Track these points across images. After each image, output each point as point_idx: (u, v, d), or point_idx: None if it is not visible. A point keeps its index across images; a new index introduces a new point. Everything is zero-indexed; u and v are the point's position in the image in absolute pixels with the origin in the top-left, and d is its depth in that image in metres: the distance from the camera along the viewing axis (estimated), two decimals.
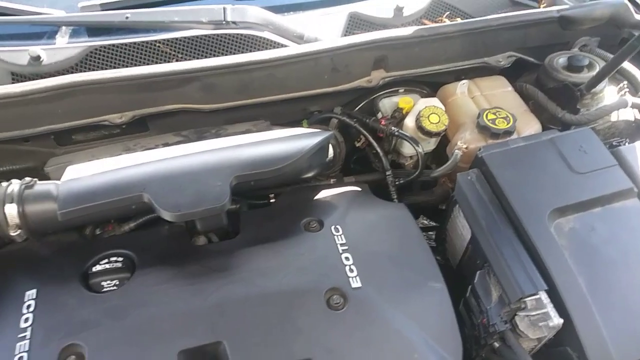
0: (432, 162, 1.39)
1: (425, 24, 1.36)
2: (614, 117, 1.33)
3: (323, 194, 1.14)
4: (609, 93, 1.36)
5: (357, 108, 1.38)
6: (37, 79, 1.10)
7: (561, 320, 0.91)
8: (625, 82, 1.38)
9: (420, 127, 1.21)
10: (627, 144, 1.32)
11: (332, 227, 1.03)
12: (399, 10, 1.35)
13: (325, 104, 1.32)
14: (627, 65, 1.40)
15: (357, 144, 1.36)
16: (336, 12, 1.35)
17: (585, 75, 1.29)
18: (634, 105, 1.30)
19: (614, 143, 1.25)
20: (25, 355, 0.82)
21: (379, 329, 0.90)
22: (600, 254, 1.00)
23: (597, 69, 1.29)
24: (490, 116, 1.22)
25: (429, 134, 1.21)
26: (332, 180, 1.25)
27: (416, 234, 1.07)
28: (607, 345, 0.90)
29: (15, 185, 0.95)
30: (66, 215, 0.91)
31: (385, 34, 1.21)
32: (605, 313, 0.92)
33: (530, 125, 1.27)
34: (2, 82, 1.14)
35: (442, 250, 1.29)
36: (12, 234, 0.93)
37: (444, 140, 1.31)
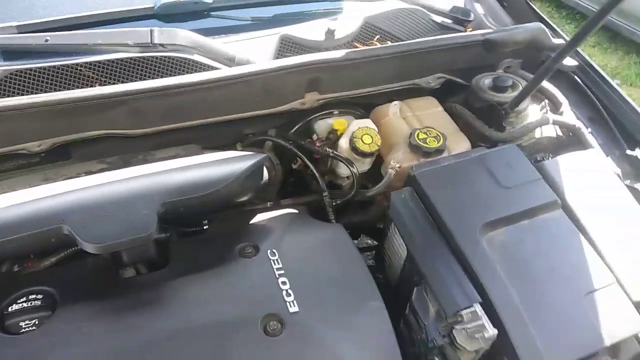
0: (368, 181, 1.40)
1: (356, 47, 1.39)
2: (537, 133, 1.40)
3: (258, 218, 1.12)
4: (532, 111, 1.43)
5: (293, 130, 1.38)
6: None
7: (495, 331, 0.92)
8: (547, 101, 1.46)
9: (354, 148, 1.22)
10: (550, 158, 1.39)
11: (268, 252, 1.01)
12: (330, 33, 1.37)
13: (260, 126, 1.30)
14: (547, 85, 1.49)
15: (294, 166, 1.35)
16: (268, 35, 1.36)
17: (510, 95, 1.36)
18: (555, 122, 1.37)
19: (538, 158, 1.30)
20: None
21: (318, 352, 0.89)
22: (530, 265, 1.03)
23: (520, 88, 1.36)
24: (422, 135, 1.25)
25: (363, 154, 1.22)
26: (268, 204, 1.23)
27: (353, 254, 1.06)
28: (540, 353, 0.92)
29: None
30: None
31: (317, 56, 1.22)
32: (537, 322, 0.95)
33: (460, 144, 1.31)
34: None
35: (382, 269, 1.29)
36: None
37: (380, 160, 1.33)
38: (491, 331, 0.92)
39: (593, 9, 4.67)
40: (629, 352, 1.04)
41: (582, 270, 1.04)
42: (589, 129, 1.41)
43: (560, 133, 1.43)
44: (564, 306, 0.99)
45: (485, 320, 0.93)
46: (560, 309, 0.98)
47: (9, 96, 1.13)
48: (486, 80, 1.40)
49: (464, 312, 0.95)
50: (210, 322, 0.88)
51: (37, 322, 0.85)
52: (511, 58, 1.51)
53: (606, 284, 1.02)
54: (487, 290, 0.97)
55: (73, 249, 0.99)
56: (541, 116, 1.36)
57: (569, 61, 1.50)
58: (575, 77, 1.53)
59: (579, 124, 1.38)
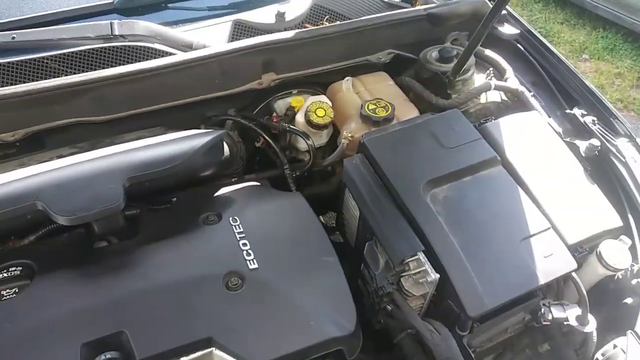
0: (329, 154, 1.49)
1: (307, 28, 1.47)
2: (483, 99, 1.50)
3: (222, 191, 1.20)
4: (478, 79, 1.53)
5: (255, 111, 1.46)
6: None
7: (437, 275, 1.02)
8: (491, 69, 1.56)
9: (308, 121, 1.31)
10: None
11: (230, 219, 1.09)
12: (280, 15, 1.45)
13: (221, 107, 1.39)
14: (491, 54, 1.59)
15: (257, 144, 1.44)
16: (221, 22, 1.44)
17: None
18: (497, 88, 1.47)
19: (482, 121, 1.40)
20: None
21: (276, 303, 0.97)
22: (472, 216, 1.13)
23: None
24: (371, 106, 1.34)
25: (317, 126, 1.31)
26: (233, 179, 1.32)
27: (309, 216, 1.15)
28: (479, 292, 1.01)
29: None
30: None
31: (268, 37, 1.31)
32: (476, 265, 1.04)
33: (409, 113, 1.40)
34: None
35: (343, 233, 1.39)
36: None
37: (338, 134, 1.42)
38: (433, 275, 1.02)
39: None
40: (574, 296, 1.14)
41: (520, 218, 1.14)
42: (532, 93, 1.50)
43: (505, 98, 1.53)
44: (502, 250, 1.08)
45: (428, 266, 1.03)
46: (499, 253, 1.08)
47: None
48: (433, 53, 1.49)
49: (409, 260, 1.05)
50: (176, 280, 0.97)
51: (17, 290, 0.94)
52: (457, 31, 1.60)
53: (541, 230, 1.12)
54: (429, 239, 1.06)
55: (49, 227, 1.07)
56: (484, 82, 1.45)
57: (510, 30, 1.60)
58: (518, 45, 1.62)
59: (521, 88, 1.48)
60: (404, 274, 1.07)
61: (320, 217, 1.45)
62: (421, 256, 1.05)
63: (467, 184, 1.19)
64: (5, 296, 0.93)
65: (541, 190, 1.21)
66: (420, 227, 1.08)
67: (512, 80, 1.51)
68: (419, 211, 1.11)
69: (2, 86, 1.22)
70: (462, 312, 1.01)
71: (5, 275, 0.95)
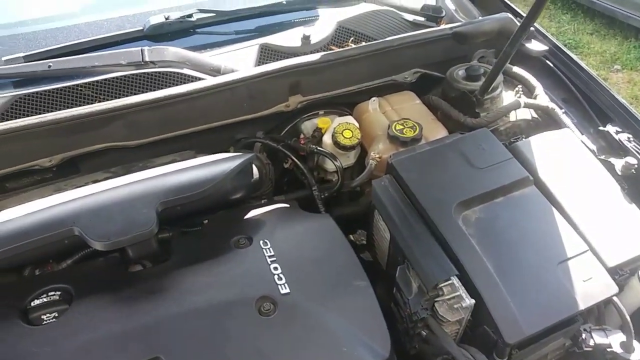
0: (357, 175, 1.48)
1: (332, 50, 1.48)
2: (512, 117, 1.47)
3: (252, 213, 1.20)
4: (506, 97, 1.51)
5: (282, 133, 1.47)
6: None
7: (473, 301, 1.00)
8: (520, 86, 1.54)
9: (336, 142, 1.31)
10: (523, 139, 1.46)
11: (261, 242, 1.10)
12: (306, 38, 1.47)
13: (249, 130, 1.40)
14: (520, 71, 1.57)
15: (285, 165, 1.44)
16: (249, 46, 1.46)
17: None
18: (527, 105, 1.45)
19: (512, 140, 1.38)
20: None
21: (308, 328, 0.96)
22: (505, 237, 1.10)
23: None
24: (399, 127, 1.33)
25: (345, 147, 1.31)
26: (262, 201, 1.32)
27: (340, 239, 1.15)
28: (517, 318, 0.98)
29: None
30: (0, 255, 0.94)
31: (294, 60, 1.32)
32: (512, 289, 1.02)
33: (437, 132, 1.39)
34: None
35: (374, 255, 1.37)
36: None
37: (365, 154, 1.42)
38: (468, 301, 1.00)
39: None
40: (616, 321, 1.11)
41: (556, 240, 1.10)
42: (563, 110, 1.48)
43: (535, 115, 1.50)
44: (539, 274, 1.05)
45: (462, 291, 1.01)
46: (535, 277, 1.04)
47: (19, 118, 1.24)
48: (460, 71, 1.48)
49: (443, 286, 1.02)
50: (209, 305, 0.97)
51: (56, 315, 0.95)
52: (484, 48, 1.59)
53: (579, 252, 1.08)
54: (463, 263, 1.04)
55: (85, 251, 1.09)
56: (513, 100, 1.43)
57: (539, 46, 1.58)
58: (547, 61, 1.60)
59: (552, 105, 1.46)
60: (437, 299, 1.05)
61: (350, 236, 1.45)
62: (455, 281, 1.02)
63: (499, 205, 1.16)
64: (46, 320, 0.95)
65: (577, 211, 1.17)
66: (453, 250, 1.06)
67: (542, 97, 1.49)
68: (451, 234, 1.09)
69: (39, 113, 1.25)
70: (499, 338, 0.98)
71: (45, 300, 0.96)
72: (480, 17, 1.61)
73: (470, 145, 1.25)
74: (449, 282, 1.03)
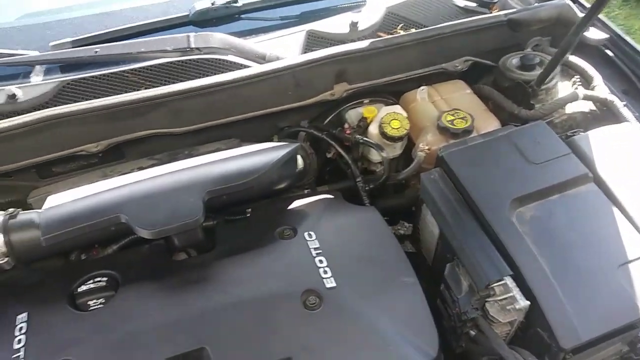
0: (403, 166, 1.44)
1: (380, 37, 1.43)
2: (569, 109, 1.40)
3: (296, 203, 1.18)
4: (562, 88, 1.43)
5: (326, 121, 1.44)
6: (14, 116, 1.14)
7: (527, 303, 0.95)
8: (578, 77, 1.46)
9: (383, 133, 1.27)
10: (582, 133, 1.39)
11: (306, 234, 1.07)
12: (354, 25, 1.42)
13: (293, 119, 1.38)
14: (577, 60, 1.49)
15: (328, 155, 1.41)
16: (295, 32, 1.43)
17: (537, 73, 1.36)
18: (585, 97, 1.37)
19: (569, 134, 1.31)
20: None
21: (354, 324, 0.94)
22: (561, 237, 1.05)
23: None
24: (449, 117, 1.28)
25: (392, 138, 1.27)
26: (306, 191, 1.30)
27: (386, 233, 1.12)
28: (573, 323, 0.94)
29: None
30: (49, 241, 0.95)
31: (342, 48, 1.28)
32: (569, 292, 0.97)
33: (489, 124, 1.33)
34: None
35: (418, 249, 1.34)
36: (0, 262, 0.96)
37: (412, 145, 1.37)
38: (522, 303, 0.95)
39: None
40: None
41: (616, 241, 1.05)
42: (624, 102, 1.40)
43: (594, 108, 1.42)
44: (597, 277, 1.00)
45: (516, 292, 0.97)
46: (593, 280, 0.99)
47: (67, 104, 1.24)
48: (513, 60, 1.41)
49: (495, 285, 0.98)
50: (254, 297, 0.96)
51: (103, 301, 0.96)
52: (540, 36, 1.51)
53: None
54: (517, 263, 1.00)
55: (130, 237, 1.09)
56: (571, 92, 1.36)
57: (598, 34, 1.49)
58: (607, 50, 1.51)
59: (611, 97, 1.38)
60: (489, 299, 1.01)
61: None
62: (509, 281, 0.98)
63: (555, 203, 1.11)
64: (92, 306, 0.95)
65: (639, 210, 1.11)
66: (507, 249, 1.02)
67: (601, 89, 1.41)
68: (505, 232, 1.04)
69: (86, 99, 1.25)
70: (553, 343, 0.94)
71: (92, 286, 0.97)
72: (536, 3, 1.53)
73: (525, 139, 1.19)
74: (502, 282, 0.98)
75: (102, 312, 0.94)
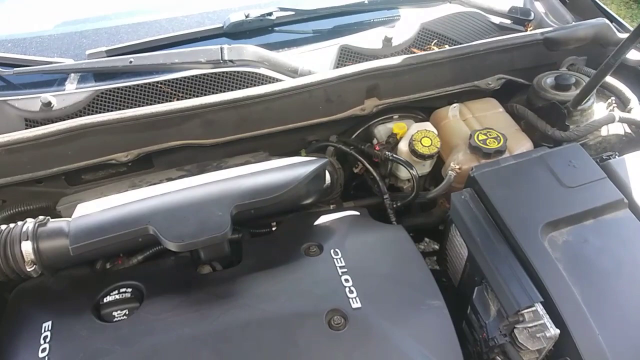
0: (430, 184, 1.43)
1: (414, 53, 1.42)
2: (604, 131, 1.37)
3: (322, 219, 1.18)
4: (598, 109, 1.40)
5: (354, 136, 1.43)
6: (48, 124, 1.16)
7: (558, 331, 0.93)
8: (614, 98, 1.42)
9: (413, 151, 1.26)
10: (617, 157, 1.35)
11: (332, 251, 1.07)
12: (387, 40, 1.41)
13: (322, 133, 1.37)
14: (614, 81, 1.45)
15: (355, 170, 1.40)
16: (328, 46, 1.42)
17: (573, 93, 1.33)
18: (622, 120, 1.33)
19: (603, 157, 1.27)
20: None
21: (380, 346, 0.93)
22: (594, 264, 1.02)
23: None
24: (481, 137, 1.26)
25: (422, 156, 1.25)
26: (332, 206, 1.29)
27: (414, 254, 1.10)
28: (605, 354, 0.91)
29: (29, 223, 1.00)
30: (77, 250, 0.96)
31: (375, 64, 1.27)
32: (602, 322, 0.94)
33: (521, 144, 1.31)
34: (17, 128, 1.20)
35: (444, 271, 1.31)
36: (28, 269, 0.98)
37: (441, 162, 1.35)
38: (553, 331, 0.93)
39: None
40: None
41: None
42: None
43: (629, 130, 1.39)
44: (631, 306, 0.97)
45: (546, 320, 0.94)
46: (627, 309, 0.97)
47: (100, 113, 1.27)
48: (548, 79, 1.39)
49: (525, 312, 0.96)
50: (279, 314, 0.95)
51: (127, 313, 0.96)
52: (575, 55, 1.48)
53: None
54: (548, 290, 0.97)
55: (157, 248, 1.10)
56: (607, 114, 1.33)
57: (636, 55, 1.45)
58: None
59: None
60: (518, 326, 0.98)
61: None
62: (539, 308, 0.96)
63: (589, 229, 1.08)
64: (117, 317, 0.96)
65: None
66: (538, 274, 0.99)
67: (638, 111, 1.37)
68: (536, 257, 1.01)
69: (119, 108, 1.27)
70: None
71: (117, 297, 0.97)
72: (573, 22, 1.50)
73: (559, 161, 1.17)
74: (532, 308, 0.96)
75: (126, 324, 0.94)
